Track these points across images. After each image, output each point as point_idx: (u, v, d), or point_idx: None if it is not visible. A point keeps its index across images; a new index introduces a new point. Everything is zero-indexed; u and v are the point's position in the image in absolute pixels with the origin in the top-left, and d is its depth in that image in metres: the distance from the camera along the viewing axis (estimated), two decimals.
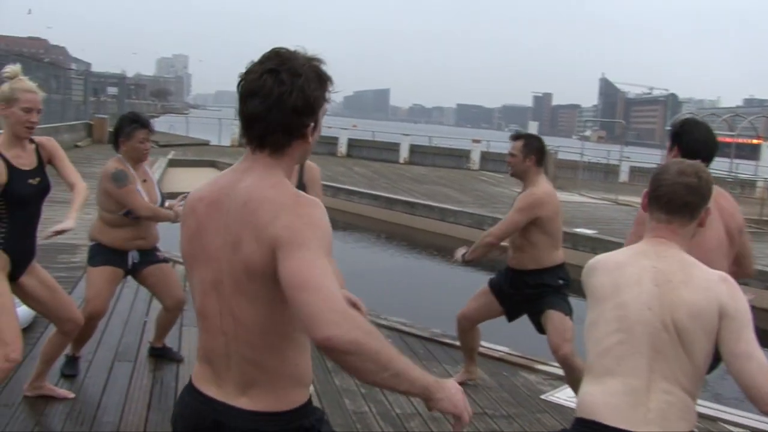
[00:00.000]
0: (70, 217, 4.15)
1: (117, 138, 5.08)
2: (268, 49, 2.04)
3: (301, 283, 1.80)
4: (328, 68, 2.05)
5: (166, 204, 5.15)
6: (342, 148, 33.82)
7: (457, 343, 6.00)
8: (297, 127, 2.00)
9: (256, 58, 2.03)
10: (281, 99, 1.95)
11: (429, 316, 8.38)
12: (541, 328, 5.13)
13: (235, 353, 2.03)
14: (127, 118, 5.17)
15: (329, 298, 1.78)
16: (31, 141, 4.19)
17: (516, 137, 5.33)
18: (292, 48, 2.03)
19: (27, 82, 4.08)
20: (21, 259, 4.17)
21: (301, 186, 4.56)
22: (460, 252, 5.38)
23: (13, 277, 4.18)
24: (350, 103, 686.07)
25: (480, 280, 5.77)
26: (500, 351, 6.57)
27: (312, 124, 2.03)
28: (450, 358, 6.40)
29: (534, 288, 5.09)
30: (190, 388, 2.15)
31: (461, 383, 5.61)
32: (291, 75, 1.96)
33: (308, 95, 1.97)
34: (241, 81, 2.02)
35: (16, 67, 4.10)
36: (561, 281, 5.08)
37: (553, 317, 4.99)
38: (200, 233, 2.06)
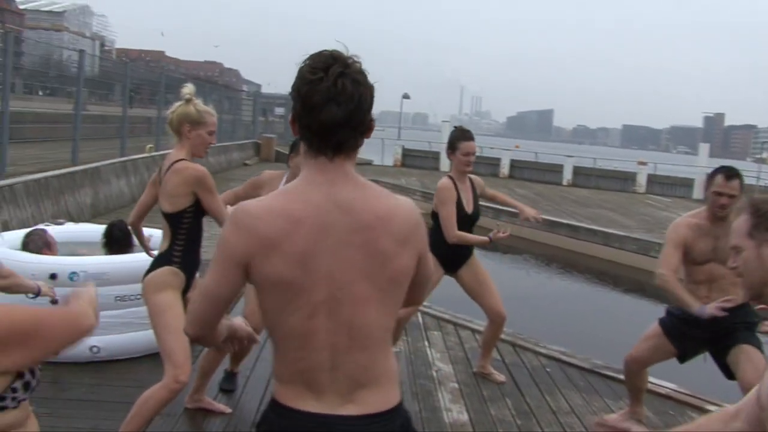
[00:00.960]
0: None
1: (290, 153, 5.16)
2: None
3: (428, 278, 2.24)
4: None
5: None
6: (504, 169, 33.50)
7: (620, 376, 5.69)
8: (367, 124, 2.05)
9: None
10: (361, 100, 1.98)
11: (590, 345, 8.05)
12: (726, 368, 4.69)
13: (343, 363, 2.02)
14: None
15: None
16: None
17: (731, 175, 4.62)
18: (334, 49, 2.02)
19: (204, 105, 4.22)
20: (192, 274, 4.28)
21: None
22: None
23: (184, 293, 4.29)
24: (513, 124, 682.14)
25: (643, 309, 5.43)
26: (667, 387, 6.17)
27: (374, 118, 2.08)
28: (612, 392, 6.08)
29: (731, 324, 4.64)
30: (280, 409, 2.08)
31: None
32: (360, 75, 1.99)
33: (373, 91, 2.03)
34: (308, 91, 1.97)
35: (192, 87, 4.23)
36: (756, 317, 4.65)
37: (750, 353, 4.52)
38: (307, 257, 1.97)
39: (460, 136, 5.73)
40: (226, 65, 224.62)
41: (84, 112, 14.74)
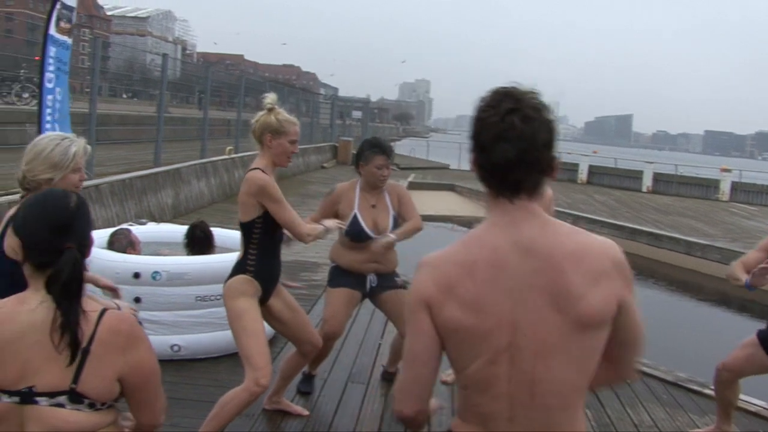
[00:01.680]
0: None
1: (358, 161, 5.14)
2: (499, 85, 1.93)
3: (641, 338, 1.99)
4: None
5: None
6: (582, 175, 33.00)
7: (706, 390, 5.51)
8: (548, 162, 1.91)
9: (483, 100, 1.91)
10: (533, 137, 1.85)
11: (674, 357, 7.80)
12: None
13: (522, 417, 1.91)
14: (368, 142, 5.22)
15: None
16: None
17: None
18: (508, 85, 1.92)
19: (287, 114, 4.22)
20: (270, 284, 4.31)
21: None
22: None
23: (265, 301, 4.32)
24: (591, 129, 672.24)
25: (727, 321, 5.18)
26: (757, 405, 5.93)
27: (556, 156, 1.94)
28: (697, 408, 5.88)
29: None
30: None
31: None
32: (534, 110, 1.86)
33: (552, 126, 1.89)
34: (479, 128, 1.90)
35: (274, 96, 4.25)
36: None
37: None
38: (482, 301, 1.88)
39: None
40: (304, 69, 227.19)
41: (166, 114, 15.04)
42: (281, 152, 4.18)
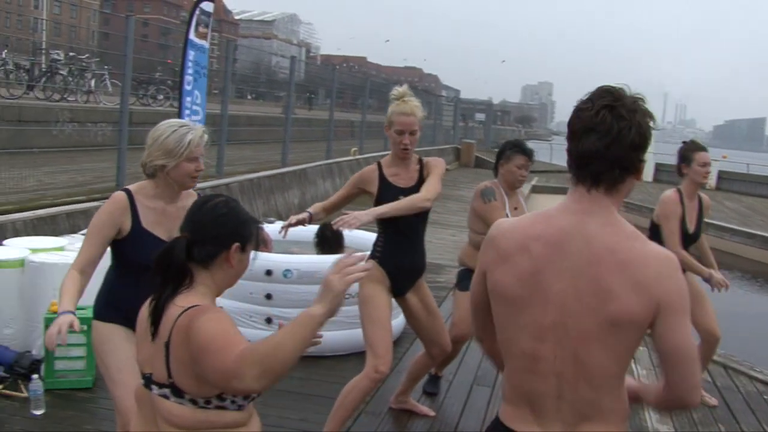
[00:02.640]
0: (368, 212, 4.01)
1: (498, 161, 5.13)
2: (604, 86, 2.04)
3: (683, 357, 1.95)
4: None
5: None
6: (711, 181, 31.77)
7: None
8: (633, 162, 1.99)
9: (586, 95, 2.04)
10: (621, 135, 1.94)
11: None
12: None
13: (569, 394, 1.99)
14: (510, 143, 5.27)
15: (697, 371, 1.99)
16: (420, 162, 4.36)
17: None
18: (616, 86, 2.01)
19: (405, 104, 4.20)
20: (400, 274, 4.35)
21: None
22: None
23: (401, 292, 4.38)
24: (720, 133, 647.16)
25: None
26: None
27: (644, 160, 2.02)
28: None
29: None
30: (502, 429, 2.10)
31: None
32: (628, 111, 1.95)
33: (644, 130, 1.97)
34: (574, 118, 2.02)
35: (402, 88, 4.28)
36: None
37: None
38: (537, 274, 1.99)
39: (693, 147, 5.42)
40: (426, 71, 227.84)
41: (292, 115, 15.39)
42: (392, 142, 4.24)
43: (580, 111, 2.00)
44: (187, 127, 3.15)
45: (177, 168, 3.10)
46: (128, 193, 3.18)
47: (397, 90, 4.27)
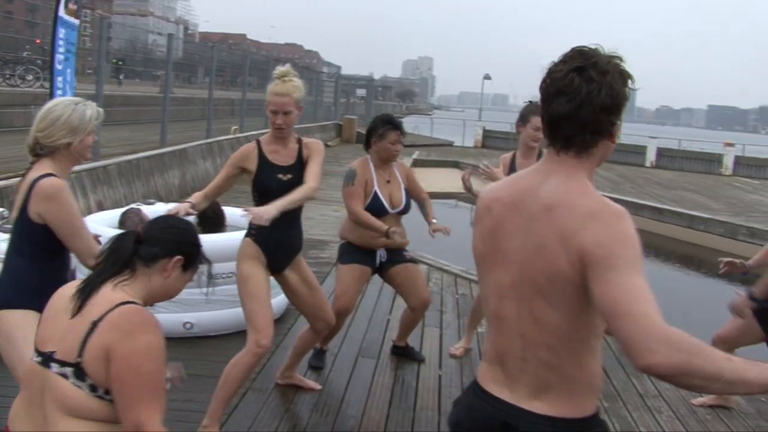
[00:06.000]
0: (273, 205, 3.95)
1: (369, 138, 5.21)
2: (567, 50, 2.00)
3: (614, 311, 1.75)
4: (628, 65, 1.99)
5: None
6: None
7: None
8: (605, 125, 1.95)
9: (556, 57, 2.00)
10: (590, 97, 1.90)
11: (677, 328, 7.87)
12: None
13: (532, 357, 2.00)
14: (381, 119, 5.29)
15: (643, 324, 1.70)
16: (299, 141, 4.39)
17: None
18: (591, 46, 1.99)
19: (282, 85, 4.20)
20: (276, 250, 4.37)
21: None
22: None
23: (278, 269, 4.41)
24: None
25: (728, 294, 5.23)
26: None
27: (618, 123, 1.98)
28: None
29: None
30: (478, 389, 2.14)
31: (712, 406, 5.24)
32: (598, 73, 1.91)
33: (616, 92, 1.93)
34: (544, 81, 1.99)
35: (285, 68, 4.28)
36: None
37: None
38: (496, 233, 2.05)
39: (534, 109, 5.25)
40: (306, 47, 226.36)
41: (171, 95, 15.08)
42: (270, 122, 4.28)
43: (551, 74, 1.97)
44: (82, 103, 3.28)
45: (81, 143, 3.23)
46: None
47: (280, 69, 4.27)
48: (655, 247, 16.10)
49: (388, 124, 5.16)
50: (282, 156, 4.30)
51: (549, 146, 2.03)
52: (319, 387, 5.10)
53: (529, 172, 2.09)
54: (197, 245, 2.44)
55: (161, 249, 2.32)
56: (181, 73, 23.45)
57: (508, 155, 5.56)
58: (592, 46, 1.97)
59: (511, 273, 2.00)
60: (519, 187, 2.06)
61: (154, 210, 7.00)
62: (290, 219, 4.38)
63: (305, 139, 4.42)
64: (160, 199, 10.42)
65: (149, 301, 2.34)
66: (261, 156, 4.27)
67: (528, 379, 2.01)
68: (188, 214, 4.03)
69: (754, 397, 5.60)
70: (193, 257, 2.41)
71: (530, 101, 5.51)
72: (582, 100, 1.90)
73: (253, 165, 4.26)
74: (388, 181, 5.19)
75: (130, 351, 2.09)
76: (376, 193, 5.09)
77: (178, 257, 2.35)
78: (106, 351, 2.09)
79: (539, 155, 5.33)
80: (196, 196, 4.27)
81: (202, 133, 16.10)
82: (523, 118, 5.38)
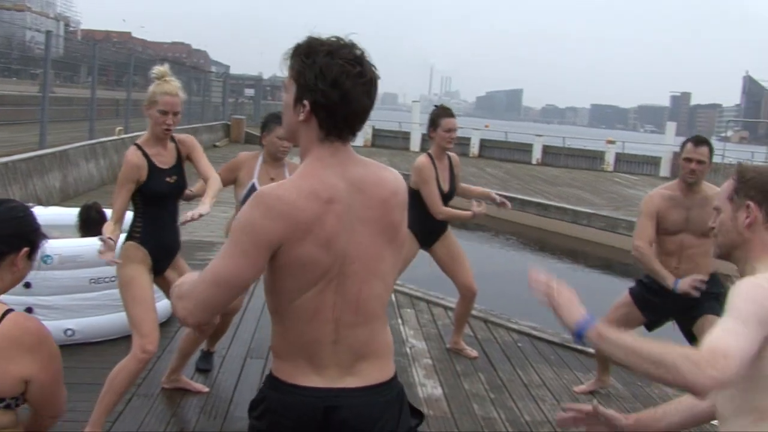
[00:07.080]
0: (204, 203, 4.08)
1: (262, 131, 5.19)
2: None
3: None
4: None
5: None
6: (474, 149, 33.57)
7: (590, 350, 5.82)
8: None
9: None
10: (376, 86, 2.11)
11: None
12: (692, 337, 4.82)
13: (346, 337, 2.10)
14: (272, 115, 5.29)
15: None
16: (172, 139, 4.33)
17: (699, 142, 4.89)
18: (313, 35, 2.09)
19: (169, 84, 4.18)
20: (161, 253, 4.33)
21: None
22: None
23: (158, 271, 4.34)
24: (482, 104, 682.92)
25: (615, 285, 5.50)
26: None
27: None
28: (582, 365, 6.21)
29: (703, 295, 4.74)
30: (280, 385, 2.13)
31: (592, 391, 5.46)
32: (306, 55, 2.05)
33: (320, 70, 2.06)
34: (349, 83, 2.02)
35: (163, 68, 4.24)
36: (721, 288, 4.78)
37: (715, 323, 4.64)
38: (332, 237, 2.03)
39: (441, 113, 5.81)
40: (194, 46, 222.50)
41: (51, 94, 14.57)
42: (154, 123, 4.21)
43: (355, 77, 2.03)
44: None
45: None
46: None
47: (158, 69, 4.22)
48: (542, 242, 16.58)
49: (277, 119, 5.15)
50: (165, 158, 4.27)
51: (336, 138, 2.09)
52: (206, 389, 5.03)
53: (323, 169, 2.10)
54: (38, 228, 2.34)
55: (6, 246, 2.23)
56: (62, 72, 22.67)
57: (425, 158, 5.85)
58: (348, 39, 2.06)
59: (338, 266, 2.08)
60: (332, 185, 2.09)
61: (35, 213, 6.77)
62: (173, 219, 4.35)
63: (177, 136, 4.37)
64: (40, 203, 10.05)
65: (2, 293, 2.28)
66: (149, 162, 4.20)
67: (339, 360, 2.13)
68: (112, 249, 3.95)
69: (629, 381, 5.86)
70: (37, 243, 2.33)
71: (436, 106, 5.95)
72: (376, 94, 2.11)
73: (144, 174, 4.18)
74: (272, 179, 5.14)
75: (48, 359, 2.23)
76: (253, 185, 5.01)
77: (25, 249, 2.26)
78: (21, 370, 2.16)
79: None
80: (110, 229, 4.06)
81: (85, 134, 15.62)
82: (433, 122, 5.75)
